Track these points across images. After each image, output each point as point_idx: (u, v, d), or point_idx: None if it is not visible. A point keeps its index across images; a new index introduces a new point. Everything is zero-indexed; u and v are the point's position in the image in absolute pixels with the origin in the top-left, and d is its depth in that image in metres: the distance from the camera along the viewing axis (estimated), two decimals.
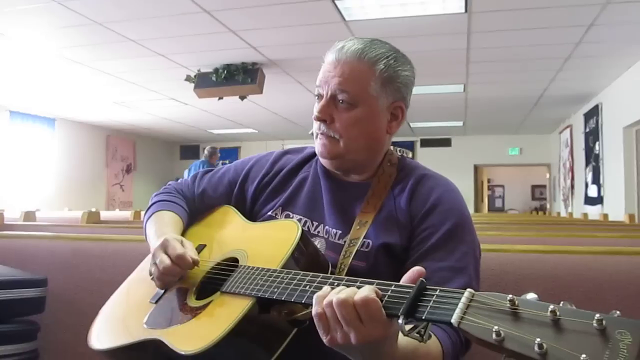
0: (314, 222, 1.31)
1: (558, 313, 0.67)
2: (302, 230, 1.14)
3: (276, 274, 1.05)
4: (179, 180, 1.59)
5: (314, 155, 1.43)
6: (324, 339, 0.89)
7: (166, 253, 1.20)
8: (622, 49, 5.94)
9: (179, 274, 1.20)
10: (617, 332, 0.62)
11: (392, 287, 0.87)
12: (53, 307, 1.76)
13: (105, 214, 4.87)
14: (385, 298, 0.85)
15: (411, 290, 0.83)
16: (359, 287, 0.88)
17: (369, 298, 0.84)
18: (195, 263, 1.20)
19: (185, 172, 9.04)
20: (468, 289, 0.78)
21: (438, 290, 0.82)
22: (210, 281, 1.19)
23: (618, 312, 0.65)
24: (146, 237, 1.39)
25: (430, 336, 0.83)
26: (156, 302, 1.22)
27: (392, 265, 1.20)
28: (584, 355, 0.61)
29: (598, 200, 8.14)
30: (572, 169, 10.08)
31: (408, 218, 1.24)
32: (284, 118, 10.69)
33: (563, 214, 10.48)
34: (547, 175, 13.52)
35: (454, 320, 0.74)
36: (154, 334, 1.10)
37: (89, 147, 11.78)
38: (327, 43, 1.34)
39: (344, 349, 0.89)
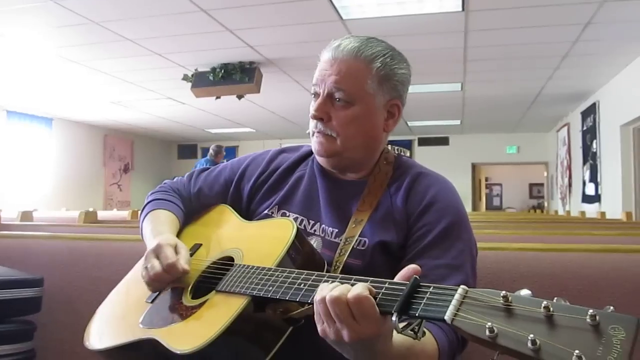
0: (310, 221, 1.31)
1: (551, 309, 0.67)
2: (298, 228, 1.14)
3: (271, 272, 1.05)
4: (175, 179, 1.59)
5: (310, 153, 1.43)
6: (319, 330, 0.89)
7: (158, 259, 1.20)
8: (619, 47, 5.94)
9: (168, 281, 1.20)
10: (610, 327, 0.62)
11: (386, 285, 0.86)
12: (50, 307, 1.76)
13: (102, 214, 4.87)
14: (379, 295, 0.85)
15: (405, 288, 0.83)
16: (352, 285, 0.88)
17: (362, 295, 0.83)
18: (185, 273, 1.19)
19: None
20: (462, 286, 0.78)
21: (432, 288, 0.82)
22: (205, 280, 1.19)
23: (612, 308, 0.65)
24: (142, 236, 1.39)
25: (424, 333, 0.83)
26: (152, 301, 1.22)
27: (388, 264, 1.20)
28: (577, 351, 0.61)
29: (595, 198, 8.15)
30: (569, 167, 10.09)
31: (404, 216, 1.24)
32: (282, 117, 10.68)
33: (561, 212, 10.49)
34: (545, 174, 13.54)
35: (447, 317, 0.74)
36: (150, 333, 1.10)
37: (87, 147, 11.76)
38: (325, 42, 1.34)
39: (337, 345, 0.89)
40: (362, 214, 1.25)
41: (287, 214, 1.33)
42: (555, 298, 0.68)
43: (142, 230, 1.41)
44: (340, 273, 1.15)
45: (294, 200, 1.36)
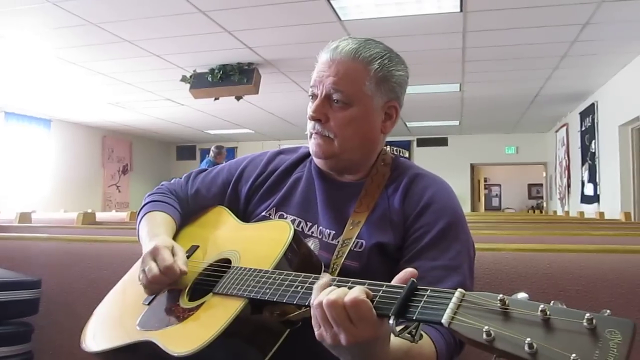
0: (307, 223, 1.31)
1: (548, 312, 0.66)
2: (295, 230, 1.14)
3: (268, 274, 1.05)
4: (172, 181, 1.59)
5: (308, 155, 1.43)
6: (316, 334, 0.89)
7: (155, 261, 1.20)
8: (618, 47, 5.95)
9: (166, 284, 1.20)
10: (607, 331, 0.62)
11: (383, 288, 0.86)
12: (47, 309, 1.75)
13: (101, 215, 4.86)
14: (377, 299, 0.85)
15: (402, 291, 0.83)
16: (350, 288, 0.87)
17: (359, 299, 0.83)
18: (183, 275, 1.19)
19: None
20: (459, 289, 0.78)
21: (429, 291, 0.82)
22: (203, 282, 1.19)
23: (608, 312, 0.65)
24: (139, 238, 1.39)
25: (421, 336, 0.83)
26: (149, 303, 1.22)
27: (385, 265, 1.20)
28: (574, 355, 0.61)
29: (594, 198, 8.15)
30: (568, 168, 10.09)
31: (401, 217, 1.24)
32: (280, 118, 10.68)
33: (560, 212, 10.49)
34: (544, 174, 13.54)
35: (444, 320, 0.74)
36: (147, 335, 1.10)
37: (85, 148, 11.75)
38: (323, 43, 1.34)
39: (334, 349, 0.89)
40: (359, 215, 1.25)
41: (285, 216, 1.33)
42: (552, 301, 0.68)
43: (138, 232, 1.41)
44: (338, 275, 1.15)
45: (292, 202, 1.36)
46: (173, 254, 1.22)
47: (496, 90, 8.16)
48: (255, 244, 1.22)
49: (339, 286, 0.89)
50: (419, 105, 8.94)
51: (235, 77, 6.58)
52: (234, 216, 1.38)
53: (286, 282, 1.00)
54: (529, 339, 0.65)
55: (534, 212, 13.58)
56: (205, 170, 1.57)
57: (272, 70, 6.88)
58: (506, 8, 4.78)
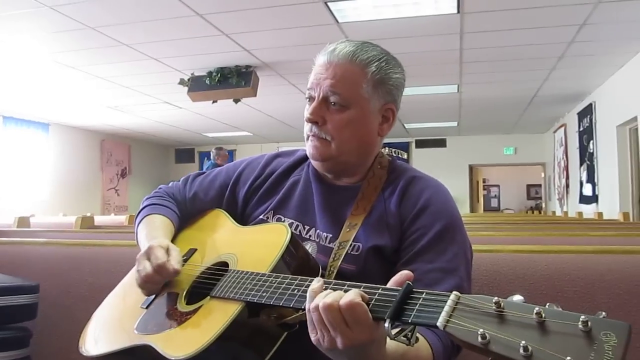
0: (305, 226, 1.31)
1: (543, 315, 0.66)
2: (292, 233, 1.14)
3: (265, 277, 1.05)
4: (170, 184, 1.59)
5: (305, 158, 1.43)
6: (312, 338, 0.89)
7: (149, 260, 1.20)
8: (615, 48, 5.96)
9: (160, 283, 1.21)
10: (602, 333, 0.62)
11: (379, 291, 0.86)
12: (45, 314, 1.75)
13: (99, 219, 4.86)
14: (372, 302, 0.85)
15: (397, 294, 0.83)
16: (345, 291, 0.88)
17: (355, 302, 0.83)
18: (176, 273, 1.19)
19: None
20: (454, 292, 0.78)
21: (424, 294, 0.82)
22: (200, 286, 1.19)
23: (603, 314, 0.65)
24: (137, 242, 1.39)
25: (417, 339, 0.83)
26: (147, 307, 1.22)
27: (382, 268, 1.20)
28: (569, 357, 0.61)
29: (593, 199, 8.16)
30: (566, 168, 10.10)
31: (398, 220, 1.24)
32: (279, 120, 10.68)
33: (558, 213, 10.50)
34: (542, 175, 13.55)
35: (439, 323, 0.74)
36: (144, 339, 1.10)
37: (84, 152, 11.75)
38: (321, 45, 1.34)
39: (330, 352, 0.89)
40: (356, 218, 1.25)
41: (283, 219, 1.33)
42: (548, 304, 0.68)
43: (137, 235, 1.41)
44: (335, 278, 1.15)
45: (290, 205, 1.36)
46: (167, 254, 1.22)
47: (494, 91, 8.17)
48: (252, 247, 1.22)
49: (334, 289, 0.89)
50: (417, 106, 8.95)
51: (233, 79, 6.58)
52: (232, 219, 1.38)
53: (283, 286, 1.00)
54: (524, 342, 0.65)
55: (533, 212, 13.61)
56: (203, 173, 1.57)
57: (270, 72, 6.89)
58: (503, 9, 4.79)
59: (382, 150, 1.41)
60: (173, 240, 1.38)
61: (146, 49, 5.93)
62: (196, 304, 1.12)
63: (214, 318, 1.04)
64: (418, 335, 0.86)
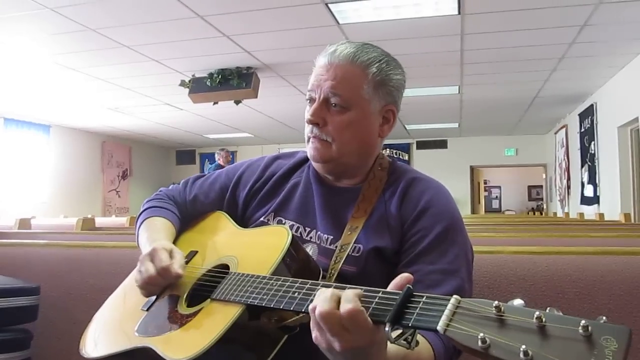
0: (306, 228, 1.31)
1: (544, 319, 0.66)
2: (293, 235, 1.14)
3: (265, 280, 1.04)
4: (171, 187, 1.59)
5: (305, 160, 1.43)
6: (312, 336, 0.89)
7: (152, 262, 1.20)
8: (616, 49, 5.96)
9: (162, 285, 1.21)
10: (602, 338, 0.62)
11: (379, 294, 0.86)
12: (46, 315, 1.75)
13: (100, 220, 4.86)
14: (372, 305, 0.85)
15: (398, 297, 0.82)
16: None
17: (355, 310, 0.82)
18: (178, 277, 1.19)
19: None
20: (454, 296, 0.78)
21: (424, 297, 0.81)
22: (201, 288, 1.19)
23: (604, 318, 0.64)
24: (138, 244, 1.39)
25: (417, 343, 0.83)
26: (147, 309, 1.22)
27: (383, 269, 1.20)
28: None
29: (594, 200, 8.15)
30: (568, 169, 10.10)
31: (399, 222, 1.24)
32: (280, 122, 10.69)
33: (560, 214, 10.49)
34: (544, 176, 13.54)
35: (439, 327, 0.74)
36: (145, 341, 1.10)
37: (85, 153, 11.76)
38: (321, 46, 1.34)
39: (330, 353, 0.88)
40: (357, 220, 1.25)
41: (284, 221, 1.33)
42: (548, 308, 0.68)
43: (138, 238, 1.41)
44: (336, 280, 1.15)
45: (290, 208, 1.36)
46: (171, 257, 1.22)
47: (495, 93, 8.17)
48: (253, 249, 1.22)
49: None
50: (418, 107, 8.95)
51: (234, 81, 6.58)
52: (233, 221, 1.38)
53: (283, 288, 1.00)
54: (524, 346, 0.64)
55: (534, 213, 13.58)
56: (203, 176, 1.57)
57: (270, 74, 6.89)
58: (504, 10, 4.78)
59: (383, 151, 1.41)
60: (174, 243, 1.37)
61: (147, 50, 5.94)
62: (197, 307, 1.12)
63: (215, 321, 1.03)
64: (419, 336, 0.86)
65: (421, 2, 4.65)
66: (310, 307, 0.87)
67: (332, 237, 1.26)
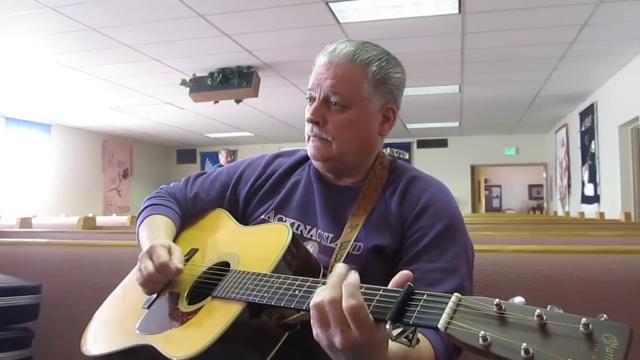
0: (307, 226, 1.31)
1: (544, 317, 0.66)
2: (293, 233, 1.14)
3: (266, 278, 1.04)
4: (171, 185, 1.59)
5: (306, 158, 1.43)
6: (314, 335, 0.89)
7: (151, 259, 1.20)
8: (616, 48, 5.95)
9: (162, 282, 1.21)
10: (603, 336, 0.62)
11: (380, 292, 0.86)
12: (47, 314, 1.75)
13: (101, 220, 4.87)
14: (374, 302, 0.84)
15: (398, 295, 0.82)
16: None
17: (357, 305, 0.82)
18: (178, 272, 1.20)
19: None
20: (455, 294, 0.78)
21: (425, 295, 0.81)
22: (201, 286, 1.19)
23: (605, 316, 0.64)
24: (139, 242, 1.39)
25: (418, 341, 0.83)
26: (148, 307, 1.22)
27: (383, 268, 1.20)
28: None
29: (595, 199, 8.15)
30: (568, 168, 10.09)
31: (399, 220, 1.24)
32: (280, 121, 10.69)
33: (560, 213, 10.49)
34: (544, 175, 13.54)
35: (440, 325, 0.74)
36: (146, 339, 1.10)
37: (86, 153, 11.76)
38: (322, 45, 1.34)
39: (331, 350, 0.88)
40: (357, 218, 1.25)
41: (284, 219, 1.33)
42: (549, 306, 0.68)
43: (138, 236, 1.41)
44: None
45: (291, 205, 1.36)
46: (170, 253, 1.22)
47: (495, 92, 8.17)
48: (253, 247, 1.22)
49: None
50: (418, 107, 8.95)
51: (234, 80, 6.58)
52: (233, 219, 1.38)
53: (284, 286, 1.00)
54: (525, 344, 0.64)
55: (535, 212, 13.59)
56: (204, 173, 1.57)
57: (271, 73, 6.89)
58: (504, 9, 4.78)
59: (383, 150, 1.41)
60: (174, 240, 1.38)
61: (148, 49, 5.94)
62: (197, 304, 1.12)
63: (215, 318, 1.03)
64: (420, 335, 0.86)
65: (421, 1, 4.65)
66: (312, 302, 0.87)
67: (332, 235, 1.26)
